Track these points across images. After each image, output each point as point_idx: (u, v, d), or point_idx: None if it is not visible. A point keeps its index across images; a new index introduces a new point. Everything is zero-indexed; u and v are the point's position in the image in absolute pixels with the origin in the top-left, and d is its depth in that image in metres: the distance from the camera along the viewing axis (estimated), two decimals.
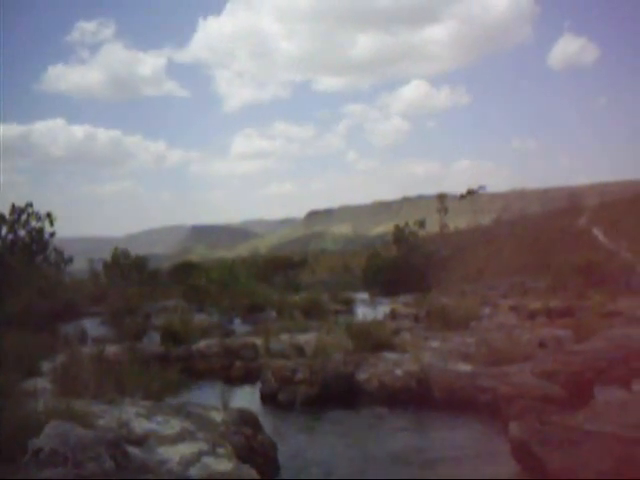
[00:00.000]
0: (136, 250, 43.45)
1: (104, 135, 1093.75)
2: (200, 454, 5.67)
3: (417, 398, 9.51)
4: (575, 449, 5.84)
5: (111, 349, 12.71)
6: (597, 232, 53.88)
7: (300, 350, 12.06)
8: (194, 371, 12.53)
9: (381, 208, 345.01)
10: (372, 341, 11.97)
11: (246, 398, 10.10)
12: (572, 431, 6.17)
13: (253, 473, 5.42)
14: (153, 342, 14.70)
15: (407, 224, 58.12)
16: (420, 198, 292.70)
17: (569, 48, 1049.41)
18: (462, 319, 16.03)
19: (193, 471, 5.25)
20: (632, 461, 5.60)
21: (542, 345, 12.30)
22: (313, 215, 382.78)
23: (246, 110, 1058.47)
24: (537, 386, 8.51)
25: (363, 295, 34.66)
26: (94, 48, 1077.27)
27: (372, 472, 6.70)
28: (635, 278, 34.59)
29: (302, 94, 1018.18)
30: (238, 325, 19.62)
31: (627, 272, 37.15)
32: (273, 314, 21.15)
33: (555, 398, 8.23)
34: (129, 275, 35.27)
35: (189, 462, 5.45)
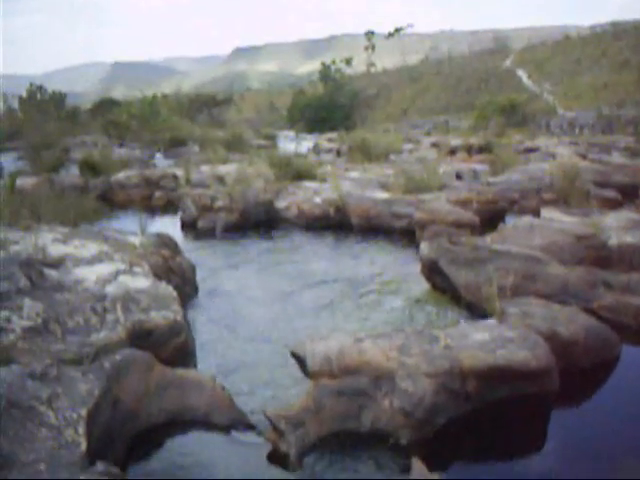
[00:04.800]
0: (54, 88, 41.47)
1: None
2: (117, 273, 5.69)
3: (335, 225, 9.70)
4: (481, 267, 6.09)
5: (28, 180, 12.42)
6: (521, 74, 54.09)
7: (221, 180, 12.00)
8: (113, 202, 12.40)
9: (308, 46, 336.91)
10: (293, 171, 12.01)
11: (166, 226, 10.08)
12: (480, 250, 6.42)
13: (170, 290, 5.48)
14: (71, 174, 14.35)
15: (334, 62, 57.14)
16: (348, 36, 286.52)
17: None
18: (383, 153, 16.15)
19: (110, 289, 5.27)
20: (532, 277, 5.90)
21: (459, 177, 12.57)
22: (238, 52, 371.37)
23: None
24: (451, 212, 8.73)
25: (288, 133, 34.37)
26: None
27: (289, 289, 6.89)
28: (555, 119, 35.30)
29: None
30: (160, 159, 19.29)
31: (548, 114, 37.83)
32: (196, 148, 20.83)
33: (468, 224, 8.48)
34: (47, 111, 33.80)
35: (106, 281, 5.46)
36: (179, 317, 4.93)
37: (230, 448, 3.89)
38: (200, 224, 9.81)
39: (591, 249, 6.77)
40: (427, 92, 56.29)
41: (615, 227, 7.35)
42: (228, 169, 12.88)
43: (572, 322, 4.78)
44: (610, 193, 10.70)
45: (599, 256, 6.72)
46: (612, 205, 9.94)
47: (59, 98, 38.31)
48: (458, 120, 39.18)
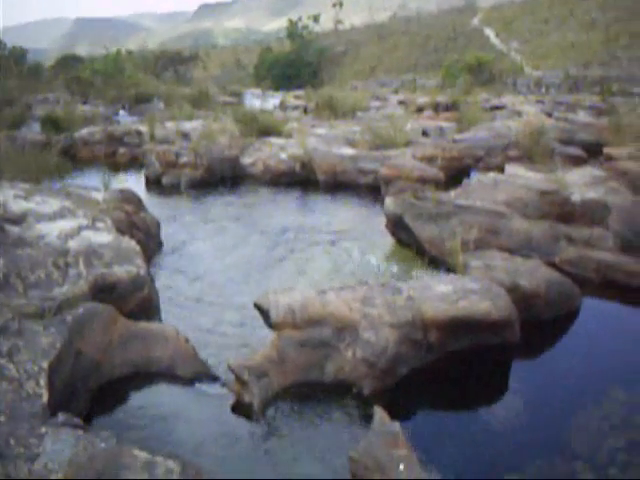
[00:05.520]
0: (14, 44, 40.33)
1: None
2: (80, 228, 5.62)
3: (301, 180, 9.68)
4: (445, 221, 6.13)
5: None
6: (489, 32, 53.95)
7: (186, 136, 11.86)
8: (77, 158, 12.20)
9: (276, 3, 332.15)
10: (259, 127, 11.90)
11: (131, 182, 9.94)
12: (444, 205, 6.45)
13: (133, 244, 5.43)
14: (33, 131, 14.07)
15: (300, 19, 56.56)
16: None
17: None
18: (350, 110, 16.06)
19: (72, 244, 5.20)
20: (495, 232, 5.96)
21: (425, 134, 12.56)
22: (204, 9, 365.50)
23: None
24: (416, 168, 8.73)
25: (255, 90, 34.00)
26: None
27: (253, 243, 6.88)
28: (522, 78, 35.41)
29: None
30: (124, 116, 18.98)
31: (515, 73, 37.91)
32: (161, 105, 20.51)
33: (433, 180, 8.50)
34: (7, 67, 33.00)
35: (68, 235, 5.39)
36: (142, 271, 4.90)
37: (194, 399, 3.90)
38: (165, 180, 9.71)
39: (554, 204, 6.83)
40: (395, 50, 55.99)
41: (578, 183, 7.42)
42: (193, 125, 12.74)
43: (534, 275, 4.84)
44: (575, 151, 10.77)
45: (562, 211, 6.78)
46: (576, 162, 10.01)
47: (20, 54, 37.45)
48: (426, 78, 39.10)
